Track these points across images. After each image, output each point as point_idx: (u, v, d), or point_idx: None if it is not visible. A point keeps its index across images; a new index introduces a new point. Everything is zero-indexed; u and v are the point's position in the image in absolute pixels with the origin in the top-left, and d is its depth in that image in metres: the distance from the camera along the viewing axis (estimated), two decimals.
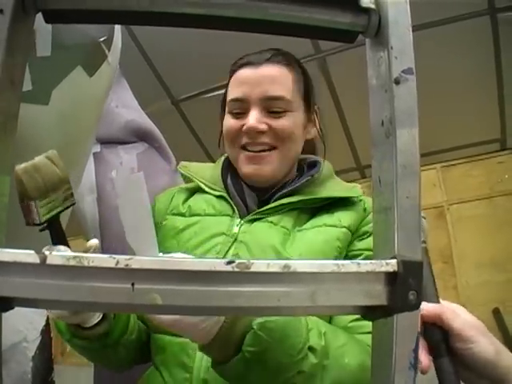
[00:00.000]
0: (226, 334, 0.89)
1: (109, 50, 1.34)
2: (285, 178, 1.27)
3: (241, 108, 1.22)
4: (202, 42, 3.57)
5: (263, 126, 1.19)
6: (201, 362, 1.02)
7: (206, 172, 1.34)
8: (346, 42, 0.67)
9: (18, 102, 0.60)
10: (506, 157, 4.71)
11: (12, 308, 0.52)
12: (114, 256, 0.50)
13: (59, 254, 0.49)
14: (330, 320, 1.10)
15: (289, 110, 1.22)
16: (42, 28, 0.63)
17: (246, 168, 1.22)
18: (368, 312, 0.57)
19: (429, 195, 4.63)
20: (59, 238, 0.97)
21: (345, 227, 1.16)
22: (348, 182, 1.35)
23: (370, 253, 1.12)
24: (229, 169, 1.32)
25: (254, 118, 1.19)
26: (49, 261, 0.49)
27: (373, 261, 0.55)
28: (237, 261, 0.51)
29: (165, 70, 4.15)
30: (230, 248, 1.13)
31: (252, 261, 0.51)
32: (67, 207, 0.97)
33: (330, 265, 0.53)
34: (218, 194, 1.26)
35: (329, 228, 1.16)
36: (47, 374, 1.94)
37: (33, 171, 0.90)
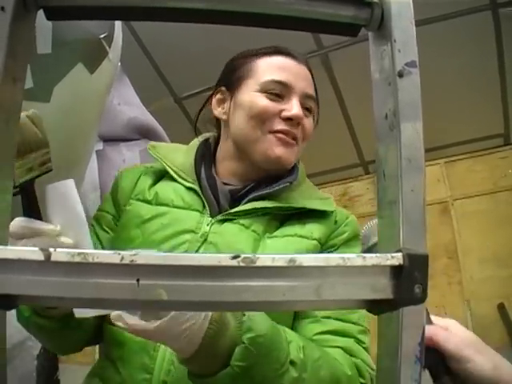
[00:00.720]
0: (211, 347, 0.85)
1: (109, 47, 1.35)
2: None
3: (281, 92, 1.19)
4: (205, 40, 3.57)
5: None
6: (162, 363, 1.01)
7: (177, 156, 1.28)
8: (349, 36, 0.67)
9: (21, 98, 0.60)
10: (509, 152, 4.71)
11: (17, 306, 0.52)
12: (118, 252, 0.49)
13: (64, 251, 0.49)
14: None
15: (313, 113, 1.24)
16: (43, 25, 0.63)
17: (278, 150, 1.17)
18: (373, 306, 0.57)
19: (433, 190, 4.63)
20: (32, 207, 0.92)
21: (316, 240, 1.15)
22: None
23: None
24: (203, 158, 1.27)
25: (299, 108, 1.18)
26: (53, 258, 0.49)
27: (378, 254, 0.55)
28: (242, 255, 0.51)
29: (167, 67, 4.15)
30: (199, 248, 1.10)
31: (257, 255, 0.51)
32: (43, 173, 0.92)
33: (335, 258, 0.53)
34: (188, 185, 1.21)
35: (300, 239, 1.15)
36: (52, 372, 1.95)
37: None
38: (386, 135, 0.60)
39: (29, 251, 0.49)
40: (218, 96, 1.29)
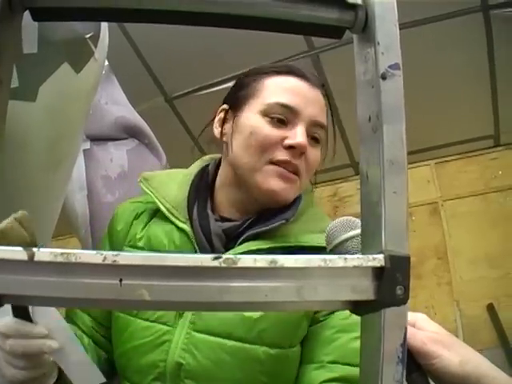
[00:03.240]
0: None
1: (95, 46, 1.34)
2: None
3: (287, 117, 1.07)
4: (196, 39, 3.56)
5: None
6: None
7: (171, 189, 1.16)
8: (334, 38, 0.67)
9: (7, 100, 0.60)
10: (499, 153, 4.71)
11: (2, 305, 0.52)
12: (101, 252, 0.50)
13: (47, 251, 0.50)
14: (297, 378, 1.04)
15: (321, 145, 1.13)
16: (29, 25, 0.62)
17: (274, 183, 1.06)
18: (355, 307, 0.58)
19: (423, 191, 4.65)
20: (18, 311, 0.91)
21: None
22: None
23: None
24: (198, 191, 1.16)
25: (304, 136, 1.05)
26: (37, 257, 0.49)
27: (360, 256, 0.55)
28: (223, 256, 0.51)
29: (158, 67, 4.14)
30: None
31: (239, 256, 0.52)
32: None
33: (316, 260, 0.53)
34: (180, 225, 1.11)
35: None
36: None
37: None
38: (369, 137, 0.61)
39: (12, 251, 0.49)
40: (221, 115, 1.18)
